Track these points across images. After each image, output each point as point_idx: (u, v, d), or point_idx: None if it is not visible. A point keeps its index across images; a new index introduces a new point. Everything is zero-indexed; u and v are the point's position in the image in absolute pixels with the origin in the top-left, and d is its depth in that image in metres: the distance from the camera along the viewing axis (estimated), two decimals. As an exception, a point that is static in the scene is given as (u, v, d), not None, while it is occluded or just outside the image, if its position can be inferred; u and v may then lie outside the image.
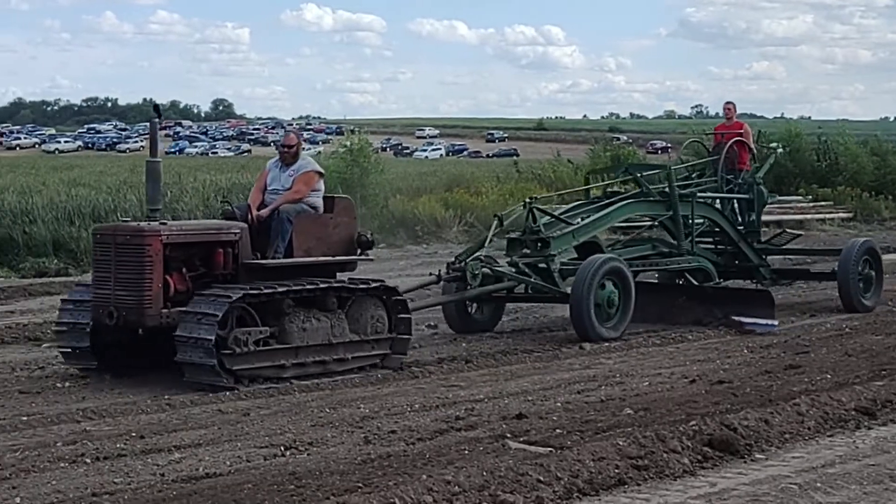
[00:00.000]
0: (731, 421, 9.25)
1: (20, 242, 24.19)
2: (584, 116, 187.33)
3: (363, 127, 48.29)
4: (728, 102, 18.71)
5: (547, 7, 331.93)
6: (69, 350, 12.04)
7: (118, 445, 9.25)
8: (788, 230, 20.93)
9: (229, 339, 11.13)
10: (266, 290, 11.49)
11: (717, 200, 17.18)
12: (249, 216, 12.39)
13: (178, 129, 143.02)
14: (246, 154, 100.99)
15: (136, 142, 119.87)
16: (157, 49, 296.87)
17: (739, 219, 17.56)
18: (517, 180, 35.67)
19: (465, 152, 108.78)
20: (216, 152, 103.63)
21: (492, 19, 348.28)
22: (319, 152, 40.62)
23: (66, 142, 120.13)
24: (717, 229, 17.29)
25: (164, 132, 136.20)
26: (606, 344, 14.34)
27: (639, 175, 16.82)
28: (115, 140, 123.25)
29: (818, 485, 8.10)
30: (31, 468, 8.56)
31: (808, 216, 33.18)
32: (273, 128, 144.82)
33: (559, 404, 10.80)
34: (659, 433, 8.84)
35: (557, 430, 9.61)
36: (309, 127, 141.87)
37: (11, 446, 9.23)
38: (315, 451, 9.08)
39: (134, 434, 9.67)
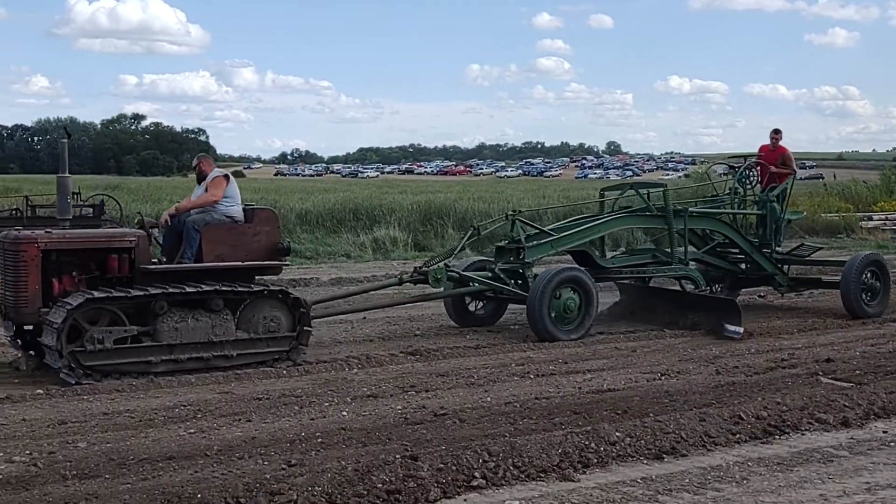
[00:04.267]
0: None
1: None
2: (873, 150, 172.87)
3: (709, 159, 47.01)
4: (774, 130, 14.37)
5: (846, 72, 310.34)
6: (8, 337, 9.53)
7: (550, 367, 9.39)
8: (807, 243, 15.90)
9: (84, 338, 8.45)
10: (116, 295, 8.60)
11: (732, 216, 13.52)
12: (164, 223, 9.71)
13: (584, 161, 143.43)
14: (629, 175, 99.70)
15: (556, 170, 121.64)
16: (570, 108, 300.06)
17: (760, 231, 13.54)
18: (823, 195, 33.52)
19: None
20: (609, 177, 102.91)
21: (804, 82, 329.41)
22: (681, 176, 39.79)
23: (511, 171, 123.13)
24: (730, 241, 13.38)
25: (573, 164, 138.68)
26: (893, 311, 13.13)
27: (645, 192, 12.98)
28: (542, 169, 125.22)
29: None
30: (495, 380, 8.80)
31: None
32: (648, 160, 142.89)
33: (858, 353, 10.07)
34: (937, 376, 8.15)
35: (857, 371, 9.00)
36: (672, 159, 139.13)
37: (483, 365, 9.51)
38: (681, 377, 8.89)
39: (560, 360, 9.77)
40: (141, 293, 8.68)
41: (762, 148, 14.37)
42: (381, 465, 5.56)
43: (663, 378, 8.84)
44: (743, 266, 13.71)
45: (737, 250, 13.53)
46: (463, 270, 11.63)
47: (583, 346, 10.68)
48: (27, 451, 6.25)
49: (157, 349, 8.77)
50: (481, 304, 12.20)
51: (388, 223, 23.85)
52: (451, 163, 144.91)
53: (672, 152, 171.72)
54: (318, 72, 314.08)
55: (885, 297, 13.14)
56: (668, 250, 12.65)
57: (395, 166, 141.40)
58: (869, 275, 13.03)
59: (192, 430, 6.86)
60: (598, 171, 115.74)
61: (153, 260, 9.38)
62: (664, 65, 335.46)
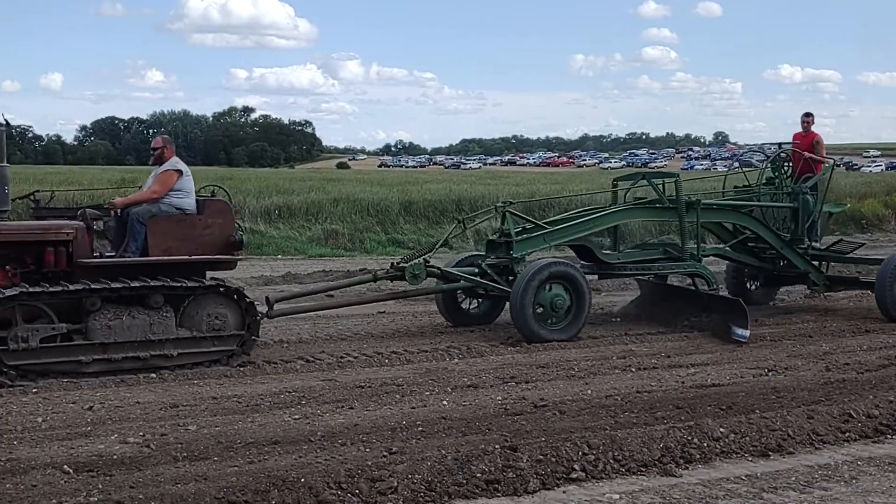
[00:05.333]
0: None
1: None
2: None
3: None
4: (805, 114, 13.32)
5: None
6: None
7: (653, 361, 9.30)
8: (846, 239, 14.55)
9: (8, 337, 7.93)
10: (28, 291, 8.00)
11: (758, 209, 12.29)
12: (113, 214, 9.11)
13: (690, 153, 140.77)
14: (735, 167, 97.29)
15: (661, 161, 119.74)
16: (676, 98, 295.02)
17: (792, 226, 12.42)
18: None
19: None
20: (716, 168, 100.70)
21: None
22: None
23: (614, 162, 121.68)
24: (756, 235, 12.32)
25: (679, 155, 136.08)
26: None
27: (658, 182, 11.85)
28: (646, 160, 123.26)
29: None
30: (596, 372, 8.77)
31: None
32: (756, 151, 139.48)
33: (977, 352, 9.69)
34: None
35: (977, 371, 8.66)
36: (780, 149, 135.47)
37: (584, 357, 9.46)
38: (789, 373, 8.68)
39: (663, 354, 9.67)
40: (47, 290, 8.11)
41: (796, 136, 13.36)
42: (480, 455, 5.59)
43: (770, 374, 8.65)
44: (777, 262, 12.66)
45: (766, 246, 12.49)
46: (454, 266, 11.08)
47: (686, 339, 10.52)
48: (140, 433, 6.48)
49: (88, 348, 8.24)
50: (476, 302, 11.52)
51: (490, 214, 23.86)
52: (554, 154, 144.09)
53: (782, 143, 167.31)
54: (422, 64, 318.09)
55: None
56: (681, 245, 11.69)
57: (498, 157, 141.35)
58: None
59: (296, 416, 7.01)
60: (704, 163, 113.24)
61: (95, 254, 8.90)
62: (774, 53, 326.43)
